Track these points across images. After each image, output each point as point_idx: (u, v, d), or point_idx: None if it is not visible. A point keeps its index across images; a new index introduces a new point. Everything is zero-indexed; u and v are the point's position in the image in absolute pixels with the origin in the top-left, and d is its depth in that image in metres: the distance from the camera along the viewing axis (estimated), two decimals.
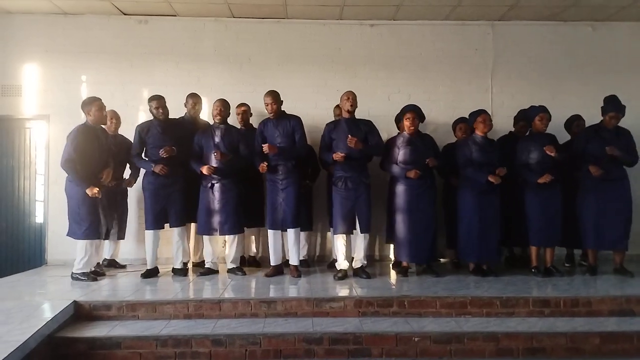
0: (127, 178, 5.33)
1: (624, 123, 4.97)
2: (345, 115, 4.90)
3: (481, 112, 4.96)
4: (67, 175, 4.71)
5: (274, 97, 4.86)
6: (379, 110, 5.86)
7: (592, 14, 5.98)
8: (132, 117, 5.74)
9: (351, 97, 4.84)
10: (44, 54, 5.99)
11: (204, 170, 4.82)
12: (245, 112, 5.50)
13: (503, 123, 5.76)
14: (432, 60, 6.18)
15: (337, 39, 6.17)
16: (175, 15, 6.04)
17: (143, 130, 4.97)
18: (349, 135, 4.68)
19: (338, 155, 4.69)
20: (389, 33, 6.19)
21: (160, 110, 4.93)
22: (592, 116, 5.18)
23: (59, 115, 5.88)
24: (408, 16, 6.04)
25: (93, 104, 4.74)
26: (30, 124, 6.03)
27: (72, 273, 4.75)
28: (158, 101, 4.94)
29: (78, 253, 4.72)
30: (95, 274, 4.83)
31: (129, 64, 6.02)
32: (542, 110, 4.93)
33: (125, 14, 6.01)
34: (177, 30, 6.08)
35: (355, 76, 6.06)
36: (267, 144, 4.76)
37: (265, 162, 4.79)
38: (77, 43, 6.00)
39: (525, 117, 5.24)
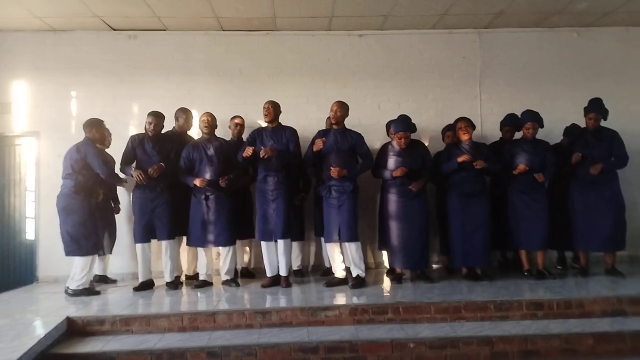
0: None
1: (611, 126, 5.05)
2: (333, 125, 4.94)
3: (459, 120, 5.04)
4: (64, 191, 4.74)
5: (272, 103, 4.94)
6: (369, 119, 5.93)
7: (577, 20, 6.09)
8: (123, 132, 5.71)
9: (335, 107, 4.88)
10: (33, 70, 5.99)
11: (198, 183, 4.84)
12: (239, 124, 5.54)
13: (492, 129, 5.84)
14: (420, 68, 6.25)
15: (327, 49, 6.23)
16: (164, 30, 6.07)
17: (135, 141, 5.01)
18: (331, 167, 4.73)
19: (318, 144, 4.71)
20: (378, 43, 6.26)
21: (152, 127, 4.97)
22: (580, 121, 5.28)
23: (49, 131, 5.87)
24: (396, 26, 6.11)
25: (98, 125, 4.91)
26: (20, 140, 6.00)
27: (70, 289, 4.72)
28: (154, 117, 4.99)
29: (78, 268, 4.70)
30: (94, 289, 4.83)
31: (119, 79, 6.03)
32: (530, 119, 4.98)
33: (114, 30, 6.04)
34: (166, 45, 6.11)
35: (345, 86, 6.12)
36: (267, 147, 4.75)
37: (250, 150, 4.72)
38: (67, 59, 6.01)
39: (514, 122, 5.31)
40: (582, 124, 5.22)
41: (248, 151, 4.72)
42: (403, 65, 6.25)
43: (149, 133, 4.99)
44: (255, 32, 6.16)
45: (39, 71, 5.99)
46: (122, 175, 5.10)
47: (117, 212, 5.50)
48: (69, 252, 4.71)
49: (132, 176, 4.84)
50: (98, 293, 4.78)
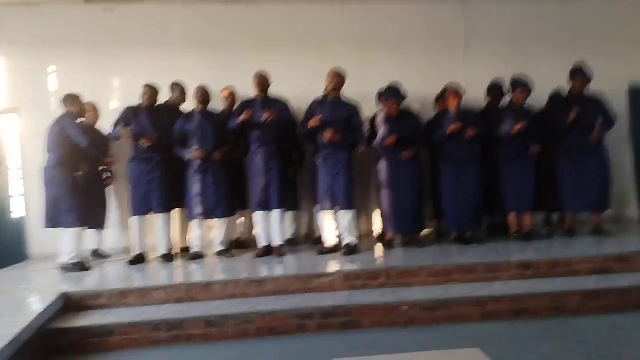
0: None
1: (593, 89, 5.13)
2: (330, 94, 4.91)
3: (447, 89, 5.11)
4: (47, 164, 4.70)
5: (262, 73, 4.96)
6: (354, 89, 5.83)
7: None
8: (104, 106, 5.60)
9: (330, 76, 4.88)
10: (8, 46, 5.81)
11: (192, 155, 4.84)
12: (230, 95, 5.50)
13: (479, 96, 5.85)
14: (405, 38, 6.21)
15: (309, 19, 6.15)
16: (142, 2, 5.90)
17: (130, 112, 4.97)
18: (325, 131, 4.72)
19: (315, 121, 4.70)
20: (360, 13, 6.18)
21: (146, 97, 4.96)
22: (563, 88, 5.35)
23: (29, 108, 5.75)
24: None
25: (75, 99, 4.83)
26: (1, 118, 5.85)
27: (62, 264, 4.70)
28: (148, 89, 4.99)
29: (67, 243, 4.68)
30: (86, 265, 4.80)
31: (97, 53, 5.89)
32: (521, 84, 5.06)
33: (89, 2, 5.85)
34: (145, 17, 5.97)
35: (329, 55, 5.98)
36: (265, 111, 4.74)
37: (249, 113, 4.73)
38: (42, 33, 5.84)
39: (500, 89, 5.39)
40: (567, 89, 5.28)
41: (247, 114, 4.69)
42: (386, 35, 6.21)
43: (143, 104, 4.95)
44: (235, 2, 6.03)
45: (14, 46, 5.83)
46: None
47: (109, 184, 5.41)
48: (49, 223, 4.69)
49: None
50: (89, 269, 4.74)
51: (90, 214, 4.91)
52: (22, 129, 5.77)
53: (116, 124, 4.93)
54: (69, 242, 4.67)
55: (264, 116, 4.71)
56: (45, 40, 5.83)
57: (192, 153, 4.85)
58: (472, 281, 4.12)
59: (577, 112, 4.89)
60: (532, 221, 5.10)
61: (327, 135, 4.71)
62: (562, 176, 5.09)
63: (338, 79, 4.89)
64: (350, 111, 4.90)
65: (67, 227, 4.65)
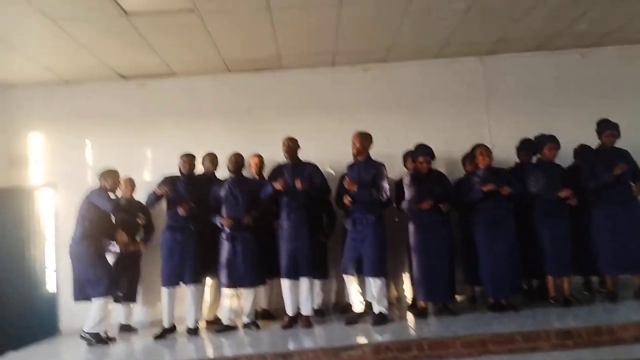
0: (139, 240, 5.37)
1: (617, 143, 5.02)
2: (357, 157, 4.97)
3: (478, 146, 5.06)
4: (73, 237, 4.82)
5: (291, 138, 5.04)
6: (378, 151, 5.86)
7: (578, 41, 6.11)
8: (137, 177, 5.77)
9: (353, 139, 4.93)
10: (48, 122, 6.15)
11: (223, 222, 4.90)
12: (259, 162, 5.57)
13: (504, 152, 5.81)
14: (426, 98, 6.29)
15: (332, 84, 6.31)
16: (173, 75, 6.20)
17: (168, 180, 5.09)
18: (346, 178, 4.80)
19: (349, 184, 4.75)
20: (382, 75, 6.33)
21: (185, 166, 5.14)
22: (588, 141, 5.28)
23: (66, 181, 5.98)
24: (399, 57, 6.18)
25: (108, 173, 4.99)
26: (38, 192, 6.09)
27: (83, 332, 4.71)
28: (184, 158, 5.18)
29: (93, 312, 4.70)
30: (106, 339, 4.78)
31: (131, 126, 6.15)
32: (551, 140, 5.01)
33: (124, 78, 6.18)
34: (175, 90, 6.24)
35: (352, 119, 6.06)
36: (298, 180, 4.77)
37: (282, 182, 4.77)
38: (79, 109, 6.16)
39: (531, 145, 5.31)
40: (588, 144, 5.23)
41: (280, 183, 4.74)
42: (409, 96, 6.30)
43: (183, 172, 5.12)
44: (261, 72, 6.26)
45: (52, 123, 6.15)
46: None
47: (138, 249, 5.34)
48: (77, 296, 4.76)
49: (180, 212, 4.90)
50: (106, 343, 4.72)
51: (119, 284, 4.94)
52: (58, 202, 5.98)
53: (154, 192, 5.03)
54: (94, 312, 4.70)
55: (297, 185, 4.74)
56: (81, 116, 6.14)
57: (222, 219, 4.91)
58: (510, 352, 3.93)
59: (623, 168, 4.75)
60: (570, 285, 4.89)
61: (347, 183, 4.74)
62: (600, 235, 4.89)
63: (360, 141, 4.91)
64: (375, 170, 4.88)
65: (91, 297, 4.69)
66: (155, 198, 4.99)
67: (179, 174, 5.20)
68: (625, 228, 4.79)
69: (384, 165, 4.91)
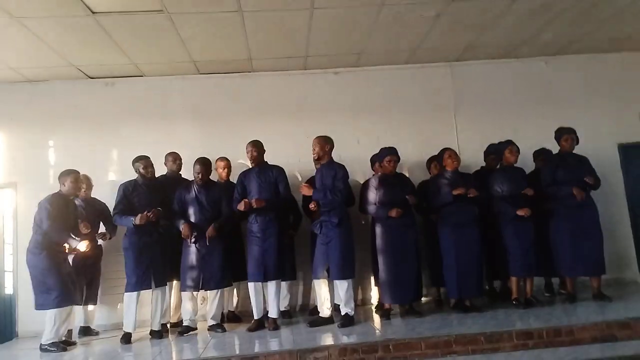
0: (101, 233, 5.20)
1: (577, 151, 5.17)
2: (316, 162, 4.96)
3: (446, 149, 5.12)
4: (29, 246, 4.68)
5: (255, 144, 4.95)
6: (349, 154, 5.93)
7: (544, 49, 6.28)
8: (102, 178, 5.70)
9: (313, 144, 4.93)
10: (9, 121, 5.96)
11: (184, 230, 4.85)
12: (226, 166, 5.51)
13: (471, 157, 5.93)
14: (396, 103, 6.35)
15: (304, 88, 6.32)
16: (142, 76, 6.10)
17: (128, 189, 4.97)
18: (302, 184, 4.91)
19: (305, 189, 4.84)
20: (353, 79, 6.38)
21: (150, 169, 5.03)
22: (552, 147, 5.40)
23: (27, 182, 5.80)
24: (370, 62, 6.24)
25: (69, 176, 4.77)
26: None
27: (41, 344, 4.57)
28: (146, 161, 5.04)
29: (47, 323, 4.56)
30: (65, 344, 4.63)
31: (97, 126, 6.02)
32: (510, 144, 5.13)
33: (91, 78, 6.05)
34: (144, 90, 6.14)
35: (324, 122, 6.08)
36: (255, 199, 4.75)
37: (244, 204, 4.74)
38: (44, 109, 6.00)
39: (495, 151, 5.41)
40: (552, 149, 5.37)
41: (242, 205, 4.73)
42: (379, 100, 6.35)
43: (148, 176, 5.02)
44: (232, 74, 6.22)
45: (15, 122, 5.97)
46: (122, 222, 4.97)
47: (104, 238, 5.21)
48: (36, 306, 4.61)
49: (136, 222, 4.78)
50: (65, 349, 4.56)
51: (74, 291, 4.70)
52: (18, 203, 5.79)
53: (116, 206, 4.93)
54: (48, 323, 4.56)
55: (253, 204, 4.73)
56: (46, 115, 5.99)
57: (183, 227, 4.85)
58: (474, 353, 3.98)
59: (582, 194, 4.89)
60: (532, 286, 4.99)
61: (301, 189, 4.87)
62: (560, 239, 5.01)
63: (320, 145, 4.90)
64: (335, 172, 4.84)
65: (48, 309, 4.54)
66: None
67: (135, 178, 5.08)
68: (584, 231, 4.92)
69: (344, 167, 4.90)
